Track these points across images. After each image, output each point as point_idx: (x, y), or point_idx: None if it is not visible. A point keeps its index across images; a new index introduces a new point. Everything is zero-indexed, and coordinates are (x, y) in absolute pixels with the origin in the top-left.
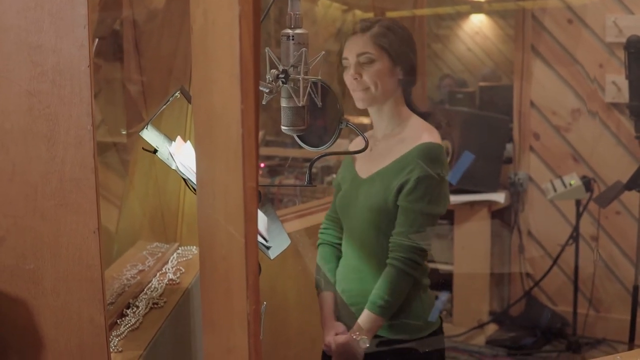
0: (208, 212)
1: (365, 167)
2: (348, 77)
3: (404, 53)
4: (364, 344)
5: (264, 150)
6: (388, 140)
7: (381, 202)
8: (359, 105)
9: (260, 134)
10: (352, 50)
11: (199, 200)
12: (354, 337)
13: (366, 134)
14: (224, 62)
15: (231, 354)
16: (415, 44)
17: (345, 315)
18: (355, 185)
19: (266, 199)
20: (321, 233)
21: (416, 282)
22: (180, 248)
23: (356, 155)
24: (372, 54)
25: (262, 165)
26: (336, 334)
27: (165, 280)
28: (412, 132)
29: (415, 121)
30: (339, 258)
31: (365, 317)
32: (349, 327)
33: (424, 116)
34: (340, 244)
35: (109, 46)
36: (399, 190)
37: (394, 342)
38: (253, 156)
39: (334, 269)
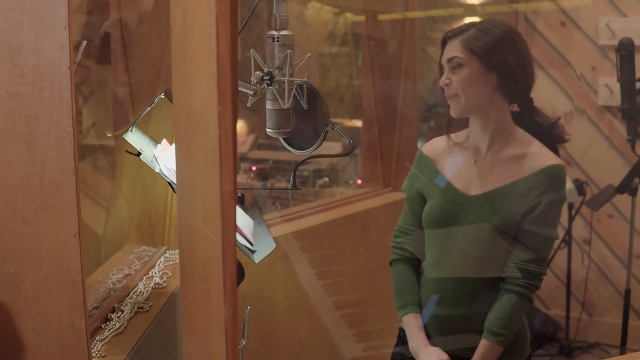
0: (187, 214)
1: (470, 184)
2: (441, 81)
3: (500, 56)
4: None
5: (256, 153)
6: (496, 156)
7: (501, 223)
8: (452, 113)
9: (252, 137)
10: (445, 56)
11: (178, 202)
12: None
13: (448, 142)
14: (202, 64)
15: None
16: (523, 46)
17: (437, 341)
18: (457, 202)
19: (255, 203)
20: (395, 247)
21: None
22: (167, 252)
23: (443, 163)
24: (461, 58)
25: (253, 168)
26: None
27: (152, 284)
28: (526, 149)
29: (527, 138)
30: (417, 276)
31: (485, 349)
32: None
33: (541, 135)
34: (416, 260)
35: (99, 49)
36: (526, 214)
37: None
38: (230, 158)
39: (416, 288)
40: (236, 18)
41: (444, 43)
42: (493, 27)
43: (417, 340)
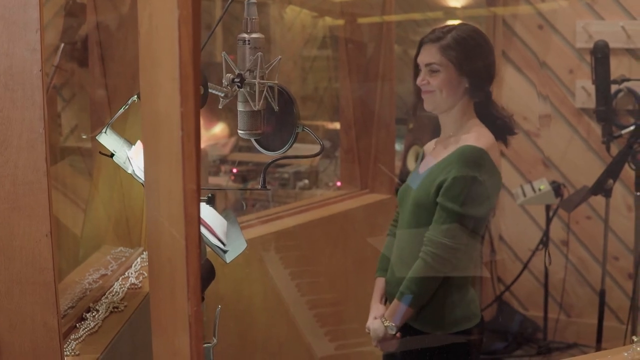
0: (154, 214)
1: (424, 164)
2: (418, 81)
3: (472, 64)
4: (392, 330)
5: (237, 156)
6: (447, 141)
7: (424, 197)
8: (426, 107)
9: (233, 139)
10: (423, 59)
11: (146, 202)
12: (383, 322)
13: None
14: (167, 66)
15: (177, 357)
16: (490, 53)
17: (390, 300)
18: (412, 179)
19: (238, 202)
20: (390, 224)
21: (448, 278)
22: (144, 253)
23: (426, 152)
24: (438, 65)
25: (234, 170)
26: (374, 318)
27: (127, 285)
28: (462, 135)
29: (472, 125)
30: None
31: (393, 306)
32: None
33: (494, 127)
34: None
35: (80, 52)
36: (439, 188)
37: (428, 335)
38: (193, 158)
39: (388, 257)
40: (199, 21)
41: (420, 45)
42: (467, 37)
43: (372, 299)
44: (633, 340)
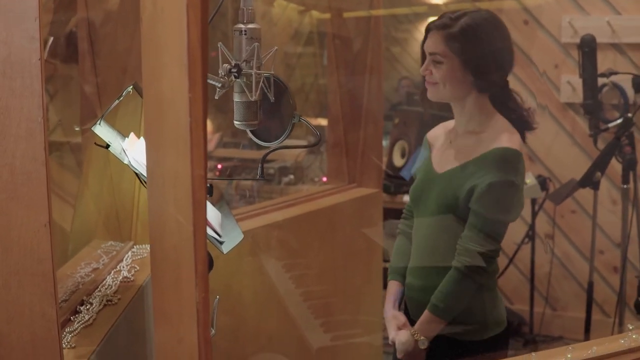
0: (158, 201)
1: (442, 162)
2: (422, 69)
3: (478, 57)
4: (423, 345)
5: (222, 152)
6: (467, 138)
7: (452, 201)
8: (429, 96)
9: (218, 135)
10: (428, 47)
11: (149, 190)
12: (414, 336)
13: (447, 127)
14: (173, 51)
15: (181, 344)
16: (504, 41)
17: (410, 307)
18: (429, 178)
19: (222, 198)
20: (400, 222)
21: (481, 285)
22: (135, 247)
23: (435, 145)
24: (441, 55)
25: (219, 166)
26: (398, 328)
27: (120, 278)
28: (492, 134)
29: (498, 122)
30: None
31: (425, 318)
32: (409, 319)
33: (512, 115)
34: None
35: (65, 46)
36: (471, 192)
37: (456, 342)
38: (201, 145)
39: (405, 259)
40: (207, 6)
41: (427, 31)
42: (476, 26)
43: (387, 305)
44: (629, 328)
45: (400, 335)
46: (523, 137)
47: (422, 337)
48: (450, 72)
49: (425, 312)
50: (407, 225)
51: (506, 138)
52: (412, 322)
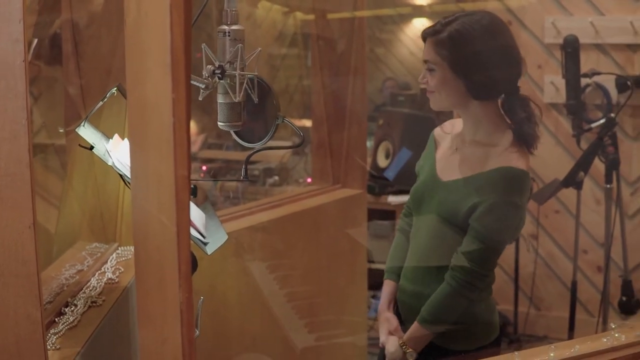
0: (142, 203)
1: (447, 169)
2: (419, 79)
3: (469, 62)
4: (411, 357)
5: (206, 153)
6: (474, 148)
7: (453, 213)
8: (432, 106)
9: (202, 137)
10: (424, 56)
11: (133, 191)
12: (403, 348)
13: (455, 128)
14: (156, 52)
15: (165, 345)
16: (505, 44)
17: (401, 310)
18: (432, 184)
19: (207, 199)
20: (400, 219)
21: (474, 299)
22: (119, 248)
23: (441, 145)
24: (432, 63)
25: (204, 167)
26: (389, 332)
27: (104, 280)
28: (500, 149)
29: (508, 138)
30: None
31: (414, 330)
32: (402, 321)
33: (522, 124)
34: None
35: (49, 48)
36: (473, 209)
37: (448, 352)
38: (185, 145)
39: (402, 258)
40: (190, 7)
41: (424, 39)
42: (465, 31)
43: (381, 304)
44: (611, 326)
45: (389, 344)
46: (531, 149)
47: (410, 350)
48: (442, 80)
49: (415, 324)
50: (407, 223)
51: (515, 157)
52: (403, 324)
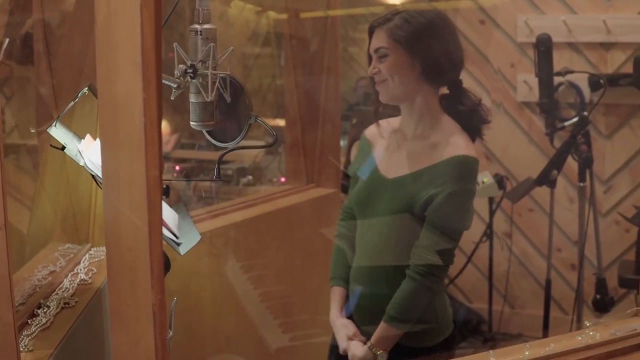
0: (113, 203)
1: (392, 166)
2: (369, 70)
3: (424, 44)
4: (382, 358)
5: (179, 153)
6: (418, 142)
7: (406, 208)
8: (381, 98)
9: (175, 136)
10: (372, 46)
11: (104, 191)
12: (372, 350)
13: (391, 126)
14: (127, 51)
15: (138, 347)
16: (450, 35)
17: (356, 315)
18: (377, 183)
19: (180, 199)
20: (338, 224)
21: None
22: (92, 249)
23: (378, 146)
24: (386, 48)
25: (177, 167)
26: (348, 337)
27: (77, 281)
28: (445, 138)
29: (449, 125)
30: (353, 252)
31: (383, 330)
32: (357, 326)
33: (464, 117)
34: (354, 238)
35: (21, 48)
36: (429, 201)
37: (409, 349)
38: (156, 145)
39: (347, 264)
40: (160, 6)
41: (371, 32)
42: (417, 15)
43: (333, 312)
44: (586, 325)
45: (355, 348)
46: (480, 132)
47: (380, 351)
48: (397, 64)
49: (382, 325)
50: (346, 228)
51: (463, 144)
52: (360, 330)
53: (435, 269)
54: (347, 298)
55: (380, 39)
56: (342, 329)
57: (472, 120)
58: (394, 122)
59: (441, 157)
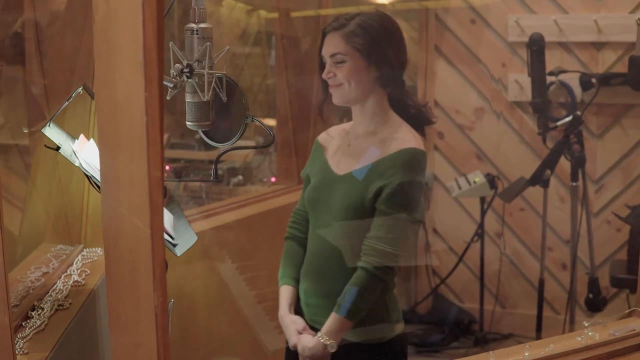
0: (113, 205)
1: (343, 163)
2: (324, 74)
3: (380, 51)
4: (332, 348)
5: (170, 153)
6: (368, 139)
7: (358, 202)
8: (335, 101)
9: (165, 136)
10: (327, 50)
11: (103, 193)
12: (322, 340)
13: (345, 129)
14: (127, 50)
15: (139, 349)
16: (400, 39)
17: (307, 313)
18: (328, 180)
19: (174, 200)
20: (289, 227)
21: (387, 285)
22: (85, 250)
23: (329, 148)
24: (344, 54)
25: (167, 167)
26: (299, 332)
27: (70, 282)
28: (394, 133)
29: (398, 122)
30: (304, 253)
31: (333, 321)
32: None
33: (410, 118)
34: (305, 239)
35: (11, 47)
36: (378, 193)
37: (360, 346)
38: (158, 145)
39: (297, 264)
40: (162, 4)
41: (324, 35)
42: (372, 22)
43: (282, 309)
44: (584, 325)
45: (305, 340)
46: (423, 133)
47: (331, 341)
48: (355, 69)
49: (333, 315)
50: (298, 230)
51: (412, 138)
52: (310, 327)
53: (386, 258)
54: (296, 297)
55: (335, 45)
56: (291, 324)
57: (417, 120)
58: (345, 125)
59: (390, 151)
